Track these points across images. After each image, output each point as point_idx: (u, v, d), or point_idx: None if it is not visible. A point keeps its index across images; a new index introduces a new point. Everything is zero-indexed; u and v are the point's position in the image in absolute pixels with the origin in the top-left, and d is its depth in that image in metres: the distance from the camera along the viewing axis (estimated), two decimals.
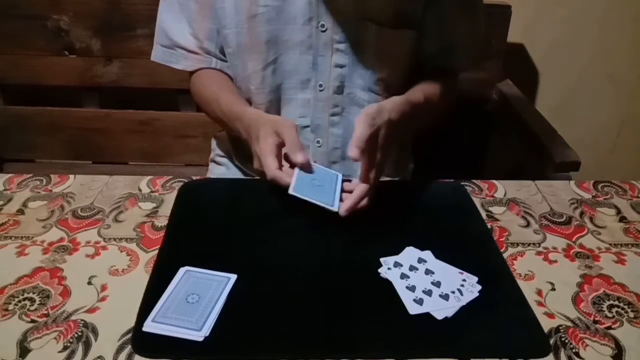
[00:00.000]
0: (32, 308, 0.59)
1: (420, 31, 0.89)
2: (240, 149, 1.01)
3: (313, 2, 0.83)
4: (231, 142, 1.03)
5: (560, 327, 0.59)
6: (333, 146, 0.93)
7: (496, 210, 0.80)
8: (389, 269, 0.66)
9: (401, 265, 0.66)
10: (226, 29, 0.87)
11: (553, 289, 0.65)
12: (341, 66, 0.88)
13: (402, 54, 0.90)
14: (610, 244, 0.73)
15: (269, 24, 0.84)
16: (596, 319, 0.61)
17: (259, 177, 0.98)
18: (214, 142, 1.09)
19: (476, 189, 0.85)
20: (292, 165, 0.73)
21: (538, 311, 0.61)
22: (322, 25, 0.84)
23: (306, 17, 0.84)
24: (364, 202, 0.72)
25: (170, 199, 0.80)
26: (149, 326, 0.57)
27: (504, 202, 0.82)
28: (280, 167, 0.71)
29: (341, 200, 0.72)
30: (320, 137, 0.92)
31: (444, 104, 0.94)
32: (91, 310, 0.59)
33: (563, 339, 0.58)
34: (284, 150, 0.73)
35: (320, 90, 0.89)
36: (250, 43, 0.86)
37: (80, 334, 0.56)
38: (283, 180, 0.70)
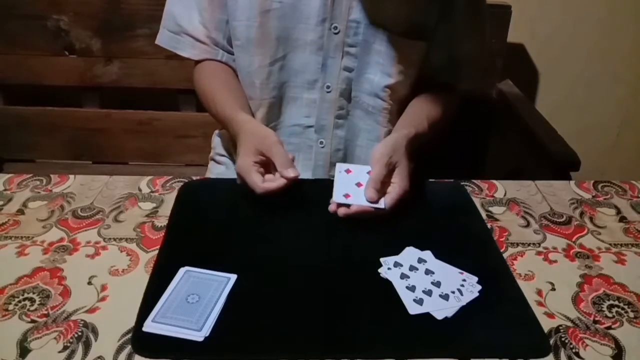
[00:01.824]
0: (32, 308, 0.59)
1: (429, 43, 0.90)
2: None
3: (328, 4, 0.83)
4: (231, 140, 1.03)
5: (560, 327, 0.59)
6: (336, 147, 0.93)
7: (496, 210, 0.80)
8: (389, 269, 0.66)
9: (401, 265, 0.66)
10: (236, 20, 0.87)
11: (553, 289, 0.65)
12: (350, 70, 0.88)
13: (411, 63, 0.90)
14: (610, 244, 0.73)
15: (281, 20, 0.84)
16: (596, 319, 0.61)
17: None
18: (214, 140, 1.09)
19: (476, 189, 0.85)
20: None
21: (538, 311, 0.61)
22: (335, 28, 0.84)
23: (320, 18, 0.84)
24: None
25: (170, 199, 0.80)
26: (149, 326, 0.57)
27: (504, 202, 0.82)
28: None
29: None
30: (324, 137, 0.93)
31: (446, 125, 0.94)
32: (91, 310, 0.59)
33: (563, 339, 0.58)
34: (277, 167, 0.74)
35: (328, 92, 0.89)
36: (260, 38, 0.86)
37: (80, 334, 0.56)
38: (273, 187, 0.72)
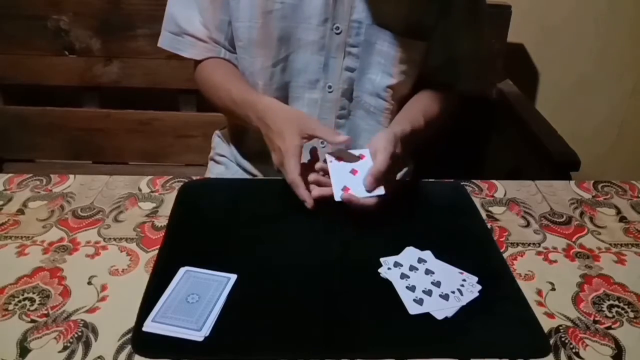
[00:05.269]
0: (32, 308, 0.59)
1: (430, 43, 0.90)
2: (241, 147, 1.01)
3: (330, 4, 0.83)
4: (232, 140, 1.03)
5: (560, 327, 0.59)
6: (337, 147, 0.93)
7: (496, 210, 0.80)
8: (389, 269, 0.66)
9: (401, 265, 0.66)
10: (238, 22, 0.86)
11: (553, 289, 0.65)
12: (352, 70, 0.88)
13: (412, 63, 0.90)
14: (610, 244, 0.73)
15: (283, 21, 0.84)
16: (596, 319, 0.61)
17: (258, 177, 0.98)
18: (214, 140, 1.08)
19: (476, 189, 0.85)
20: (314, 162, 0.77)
21: (538, 311, 0.61)
22: (337, 28, 0.85)
23: (321, 18, 0.84)
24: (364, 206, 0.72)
25: (170, 199, 0.80)
26: (149, 326, 0.57)
27: (504, 202, 0.82)
28: (301, 172, 0.73)
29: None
30: None
31: (443, 124, 0.94)
32: (91, 310, 0.59)
33: (563, 339, 0.58)
34: (322, 139, 0.77)
35: (329, 92, 0.89)
36: (262, 39, 0.86)
37: (80, 334, 0.56)
38: (300, 190, 0.73)
